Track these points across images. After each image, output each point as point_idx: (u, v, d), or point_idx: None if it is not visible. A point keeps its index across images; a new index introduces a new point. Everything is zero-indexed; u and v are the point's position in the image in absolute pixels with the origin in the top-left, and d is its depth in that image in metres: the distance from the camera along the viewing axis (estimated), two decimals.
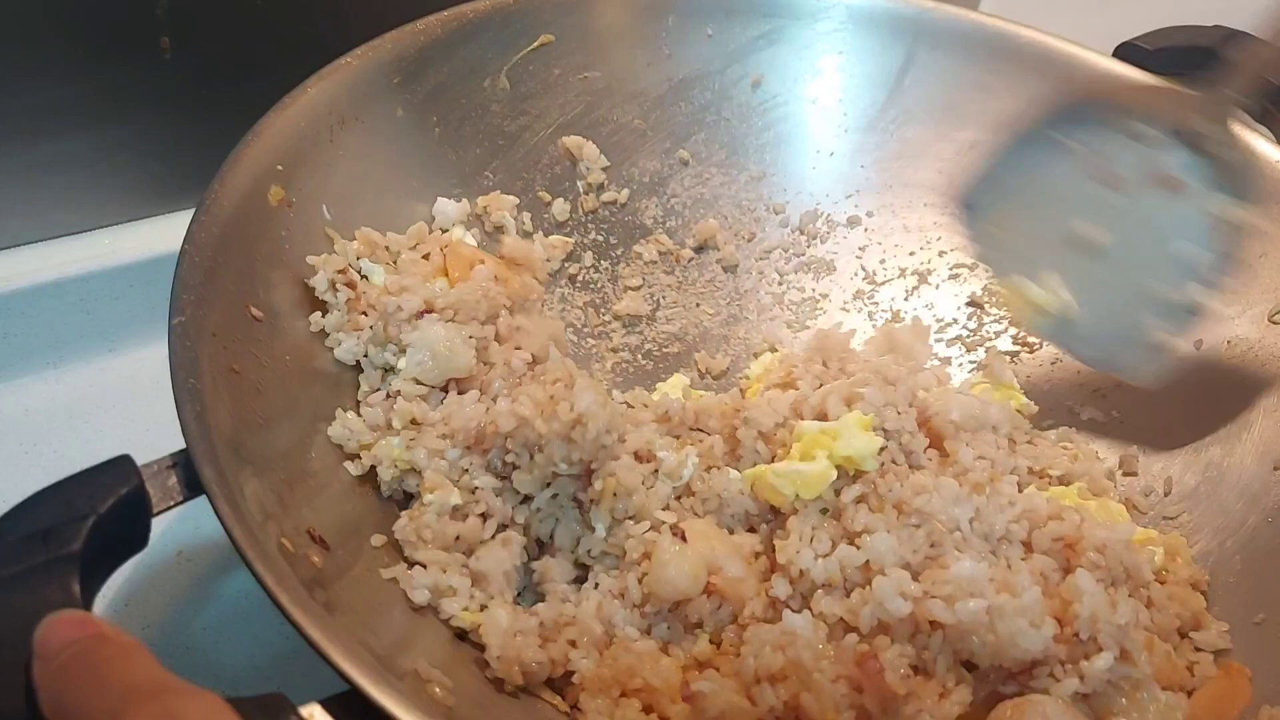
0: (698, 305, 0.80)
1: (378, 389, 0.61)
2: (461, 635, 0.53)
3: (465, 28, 0.74)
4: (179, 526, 0.65)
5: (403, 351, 0.61)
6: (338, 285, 0.62)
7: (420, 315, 0.62)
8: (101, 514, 0.43)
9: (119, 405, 0.73)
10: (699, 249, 0.82)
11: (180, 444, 0.47)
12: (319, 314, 0.62)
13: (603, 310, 0.78)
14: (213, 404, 0.49)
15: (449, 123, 0.74)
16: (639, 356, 0.77)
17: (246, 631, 0.61)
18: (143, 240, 0.77)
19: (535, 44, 0.77)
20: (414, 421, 0.59)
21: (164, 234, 0.77)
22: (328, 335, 0.62)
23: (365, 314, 0.62)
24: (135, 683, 0.36)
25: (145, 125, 0.76)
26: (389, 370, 0.62)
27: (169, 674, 0.37)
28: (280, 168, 0.62)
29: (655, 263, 0.80)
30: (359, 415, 0.59)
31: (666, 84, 0.82)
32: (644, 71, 0.82)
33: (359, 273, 0.64)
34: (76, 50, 0.71)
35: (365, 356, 0.62)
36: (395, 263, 0.67)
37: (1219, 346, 0.70)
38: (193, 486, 0.46)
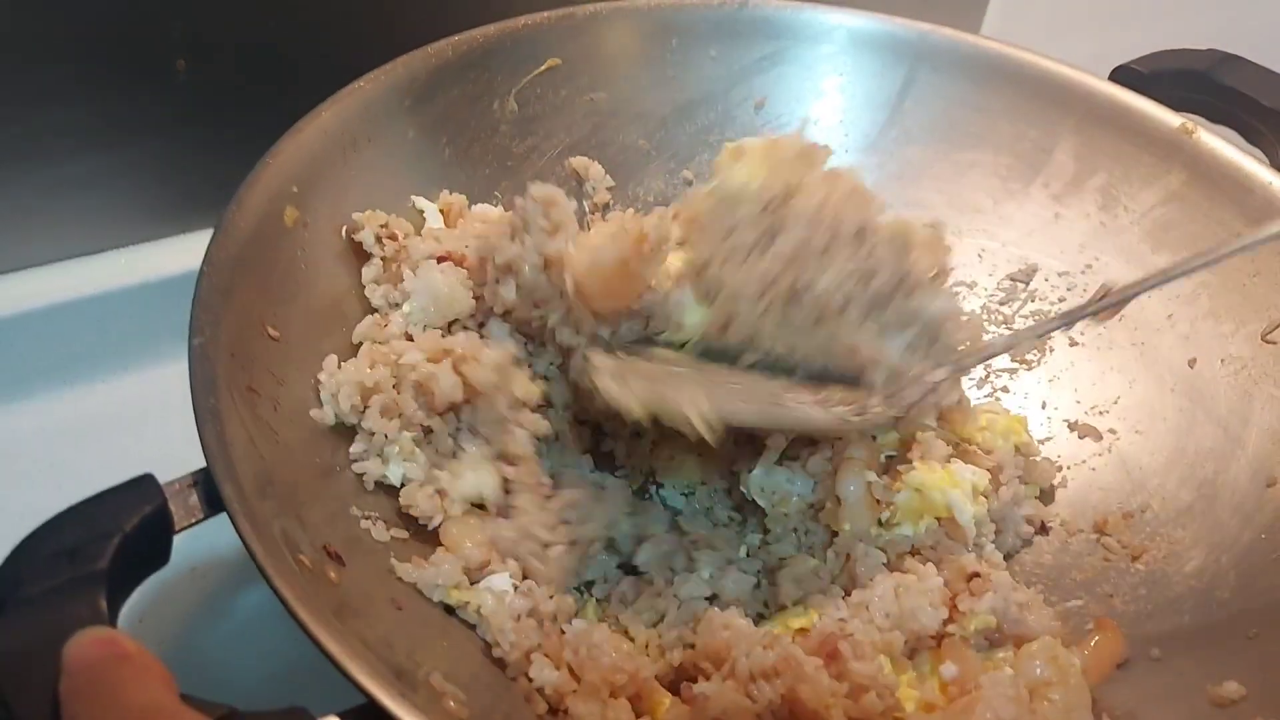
0: None
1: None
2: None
3: (475, 51, 0.75)
4: (192, 544, 0.65)
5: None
6: (383, 239, 0.65)
7: (439, 260, 0.65)
8: (127, 532, 0.44)
9: (132, 424, 0.74)
10: None
11: (195, 462, 0.48)
12: (368, 266, 0.65)
13: None
14: (232, 423, 0.50)
15: (459, 144, 0.75)
16: None
17: (258, 647, 0.62)
18: (157, 261, 0.78)
19: (543, 67, 0.79)
20: None
21: (178, 255, 0.78)
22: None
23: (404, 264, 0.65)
24: (142, 704, 0.37)
25: (160, 148, 0.77)
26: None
27: (176, 699, 0.38)
28: (295, 189, 0.63)
29: None
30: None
31: (671, 105, 0.84)
32: (649, 93, 0.83)
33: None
34: (94, 73, 0.72)
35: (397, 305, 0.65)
36: None
37: (1213, 364, 0.71)
38: (213, 504, 0.48)
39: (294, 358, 0.59)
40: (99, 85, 0.73)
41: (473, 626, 0.54)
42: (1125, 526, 0.68)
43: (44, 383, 0.76)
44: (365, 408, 0.58)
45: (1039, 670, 0.55)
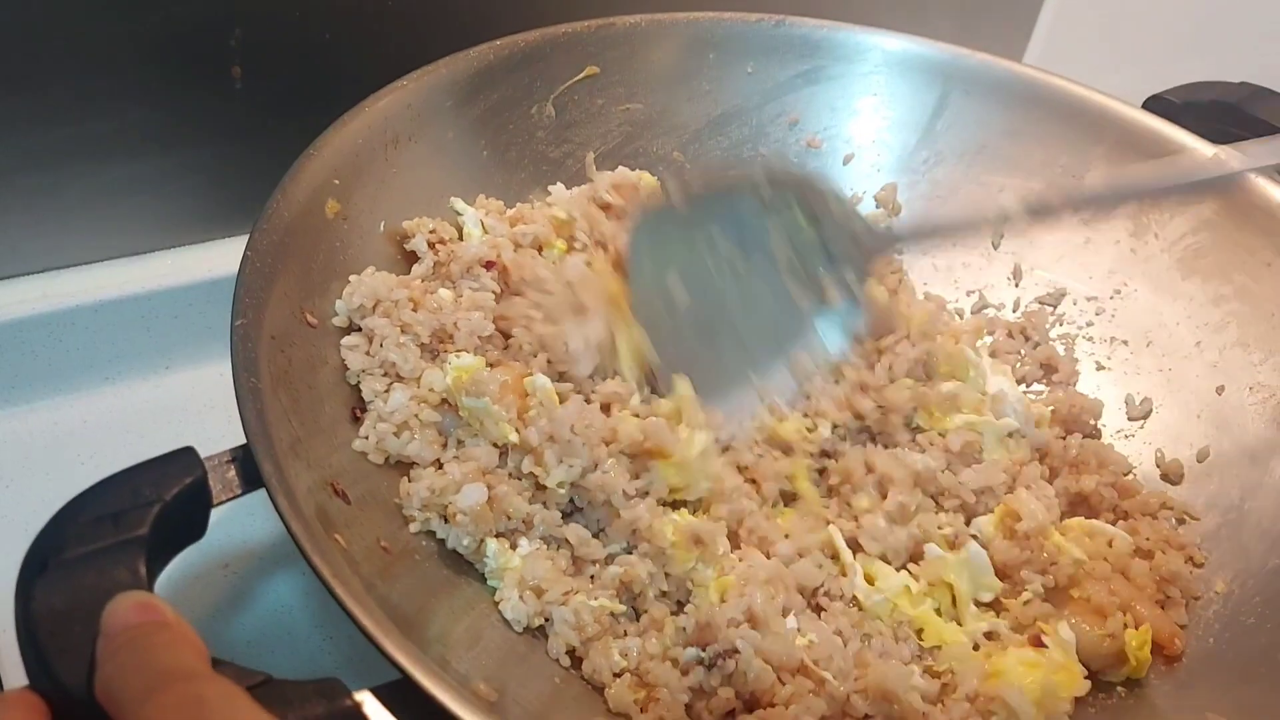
0: None
1: None
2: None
3: (516, 56, 0.76)
4: (225, 539, 0.67)
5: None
6: (434, 244, 0.67)
7: (486, 266, 0.66)
8: (167, 501, 0.44)
9: (173, 420, 0.75)
10: None
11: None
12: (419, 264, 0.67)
13: None
14: (271, 403, 0.51)
15: (496, 147, 0.76)
16: None
17: (288, 634, 0.63)
18: (203, 263, 0.79)
19: (581, 75, 0.80)
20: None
21: (223, 257, 0.79)
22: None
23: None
24: (171, 667, 0.37)
25: (213, 152, 0.78)
26: None
27: (209, 665, 0.39)
28: (337, 182, 0.64)
29: None
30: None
31: (705, 119, 0.85)
32: (684, 106, 0.84)
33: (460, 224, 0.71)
34: (151, 78, 0.73)
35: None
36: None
37: (1241, 392, 0.72)
38: (251, 481, 0.48)
39: (330, 345, 0.60)
40: (156, 91, 0.74)
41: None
42: None
43: (87, 377, 0.76)
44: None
45: None
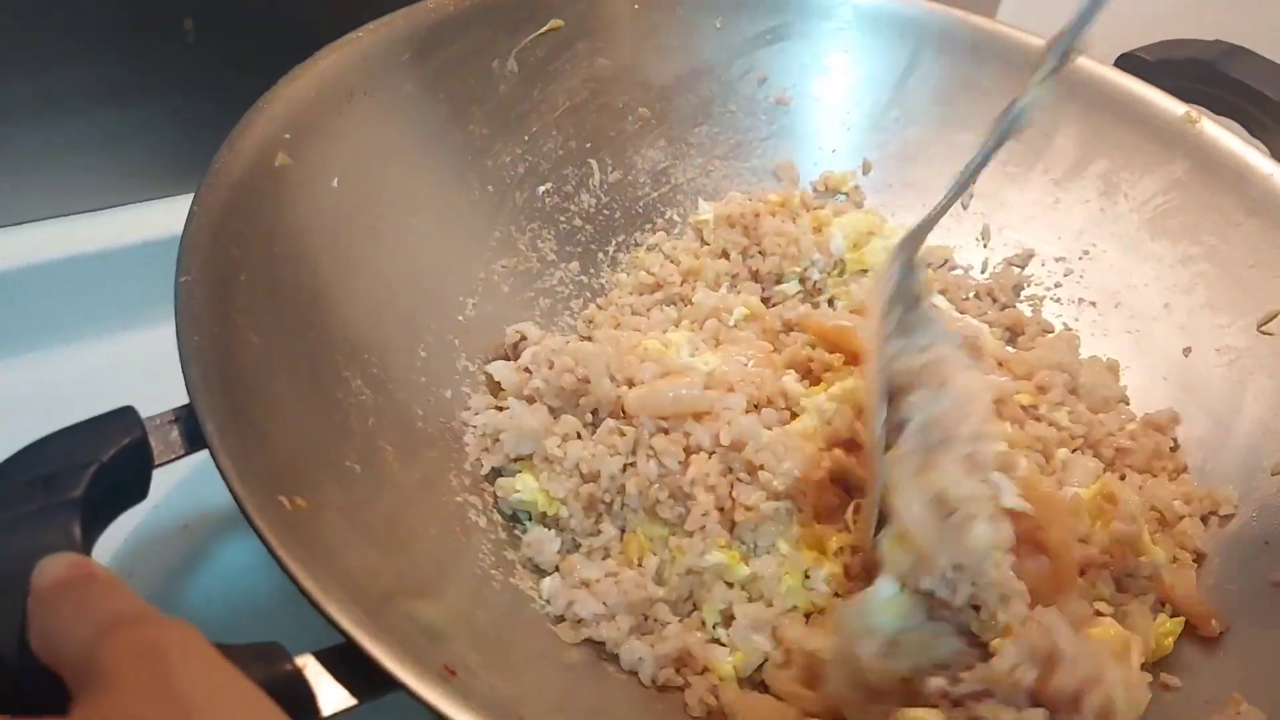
0: None
1: None
2: None
3: (477, 7, 0.74)
4: (186, 502, 0.65)
5: None
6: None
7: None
8: (104, 462, 0.43)
9: (131, 381, 0.70)
10: None
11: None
12: None
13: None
14: (216, 361, 0.50)
15: (457, 102, 0.74)
16: None
17: (250, 602, 0.62)
18: (160, 220, 0.77)
19: (545, 28, 0.78)
20: None
21: (179, 215, 0.77)
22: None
23: None
24: (116, 611, 0.36)
25: (166, 107, 0.75)
26: None
27: (149, 605, 0.37)
28: (288, 136, 0.62)
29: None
30: None
31: (673, 75, 0.83)
32: (651, 61, 0.82)
33: None
34: (102, 32, 0.71)
35: None
36: None
37: (1208, 354, 0.71)
38: (194, 441, 0.47)
39: (276, 302, 0.58)
40: (105, 44, 0.71)
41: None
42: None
43: (43, 338, 0.74)
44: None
45: None
